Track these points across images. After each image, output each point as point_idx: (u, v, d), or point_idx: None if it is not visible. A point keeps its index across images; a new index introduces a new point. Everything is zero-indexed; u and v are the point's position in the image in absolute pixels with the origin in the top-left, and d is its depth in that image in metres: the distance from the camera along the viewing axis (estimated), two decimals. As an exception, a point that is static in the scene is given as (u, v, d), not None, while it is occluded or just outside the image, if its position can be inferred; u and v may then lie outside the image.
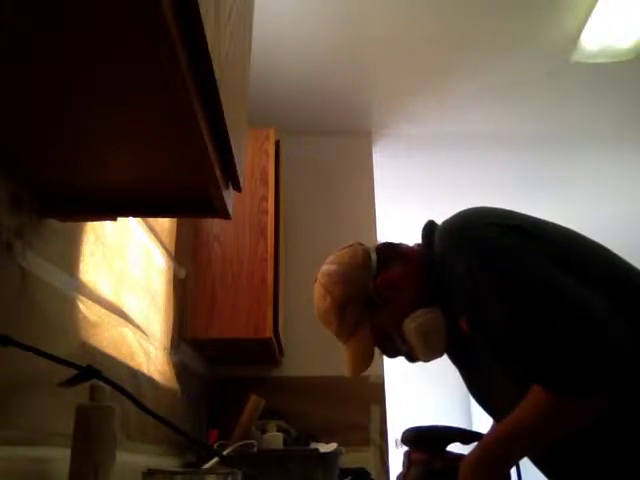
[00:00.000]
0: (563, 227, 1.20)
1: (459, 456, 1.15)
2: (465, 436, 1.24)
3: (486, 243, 1.11)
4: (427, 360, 1.23)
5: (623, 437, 1.03)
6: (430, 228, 1.27)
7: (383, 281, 1.23)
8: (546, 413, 1.00)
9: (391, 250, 1.29)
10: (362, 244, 1.32)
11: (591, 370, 0.95)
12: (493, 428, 1.11)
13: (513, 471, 1.11)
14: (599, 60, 2.56)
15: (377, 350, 1.29)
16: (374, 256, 1.27)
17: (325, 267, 1.29)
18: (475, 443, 1.14)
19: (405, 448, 1.27)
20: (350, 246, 1.31)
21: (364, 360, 1.24)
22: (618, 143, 3.31)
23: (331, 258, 1.30)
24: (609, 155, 3.44)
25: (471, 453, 1.09)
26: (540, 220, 1.20)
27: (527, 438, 1.05)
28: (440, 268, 1.18)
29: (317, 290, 1.28)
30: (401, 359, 1.31)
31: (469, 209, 1.22)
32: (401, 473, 1.25)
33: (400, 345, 1.24)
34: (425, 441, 1.23)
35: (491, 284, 1.07)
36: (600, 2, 2.21)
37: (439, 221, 1.26)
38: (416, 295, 1.22)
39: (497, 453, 1.07)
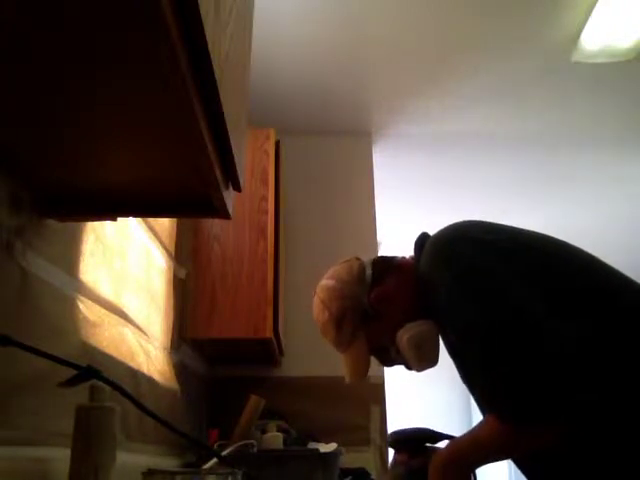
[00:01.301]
0: (552, 240, 1.21)
1: (431, 455, 1.20)
2: (437, 437, 1.31)
3: (463, 261, 1.14)
4: (420, 370, 1.28)
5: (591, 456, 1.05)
6: (422, 241, 1.30)
7: (376, 295, 1.27)
8: (496, 438, 1.05)
9: (386, 264, 1.33)
10: (359, 258, 1.36)
11: (539, 402, 0.99)
12: (462, 435, 1.16)
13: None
14: (599, 60, 2.56)
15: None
16: (369, 270, 1.31)
17: (324, 282, 1.34)
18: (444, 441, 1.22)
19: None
20: (347, 261, 1.36)
21: (361, 369, 1.30)
22: (618, 143, 3.31)
23: (330, 273, 1.35)
24: (609, 155, 3.44)
25: (440, 453, 1.14)
26: (527, 234, 1.21)
27: (484, 455, 1.12)
28: (425, 282, 1.22)
29: (316, 304, 1.33)
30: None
31: (456, 223, 1.25)
32: (388, 471, 1.31)
33: (395, 355, 1.29)
34: (404, 443, 1.31)
35: (462, 302, 1.11)
36: (600, 2, 2.21)
37: (435, 226, 1.28)
38: (409, 307, 1.26)
39: (461, 458, 1.12)
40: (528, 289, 1.07)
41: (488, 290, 1.10)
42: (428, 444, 1.30)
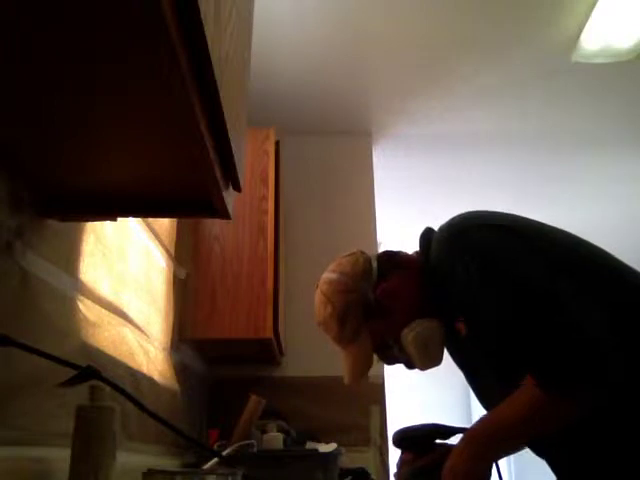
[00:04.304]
0: (561, 230, 1.21)
1: (443, 452, 1.16)
2: (444, 432, 1.26)
3: (484, 245, 1.12)
4: (424, 369, 1.24)
5: (616, 432, 1.04)
6: (427, 235, 1.27)
7: (382, 291, 1.23)
8: (537, 407, 1.01)
9: (391, 259, 1.28)
10: (364, 252, 1.31)
11: (578, 373, 0.97)
12: (480, 420, 1.12)
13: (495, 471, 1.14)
14: (599, 60, 2.56)
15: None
16: (375, 265, 1.27)
17: (326, 275, 1.29)
18: (457, 436, 1.17)
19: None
20: (352, 254, 1.30)
21: (363, 367, 1.26)
22: (618, 143, 3.31)
23: (333, 266, 1.30)
24: (609, 155, 3.44)
25: (457, 446, 1.10)
26: (538, 223, 1.21)
27: (515, 430, 1.06)
28: (437, 271, 1.19)
29: (318, 298, 1.28)
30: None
31: (467, 212, 1.23)
32: (395, 473, 1.27)
33: (398, 353, 1.25)
34: (410, 441, 1.25)
35: (488, 285, 1.09)
36: (600, 2, 2.21)
37: (437, 226, 1.27)
38: (414, 304, 1.22)
39: (484, 444, 1.08)
40: (551, 272, 1.07)
41: (513, 273, 1.08)
42: (438, 441, 1.24)
